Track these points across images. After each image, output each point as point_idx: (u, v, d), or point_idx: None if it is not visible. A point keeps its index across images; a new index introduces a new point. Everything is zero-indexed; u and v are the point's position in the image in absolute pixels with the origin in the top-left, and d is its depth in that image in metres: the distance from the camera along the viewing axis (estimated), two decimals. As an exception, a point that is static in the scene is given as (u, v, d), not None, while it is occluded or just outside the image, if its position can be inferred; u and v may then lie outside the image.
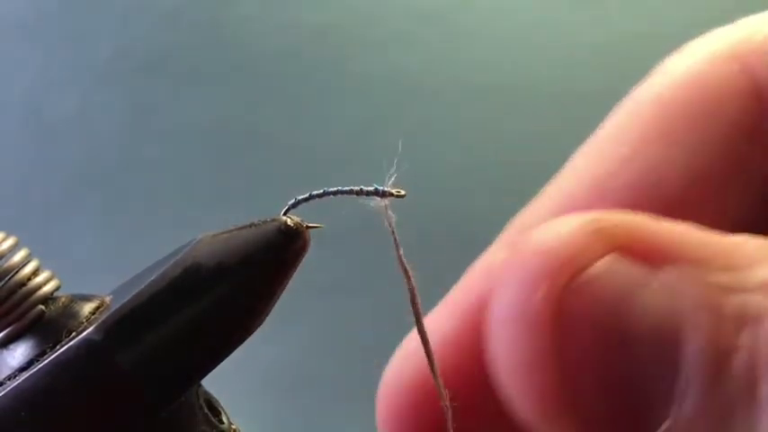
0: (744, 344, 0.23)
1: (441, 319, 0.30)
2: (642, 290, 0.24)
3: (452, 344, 0.30)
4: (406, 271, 0.29)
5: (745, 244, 0.24)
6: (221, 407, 0.30)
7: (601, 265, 0.24)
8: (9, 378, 0.27)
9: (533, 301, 0.24)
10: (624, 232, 0.24)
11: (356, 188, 0.29)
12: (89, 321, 0.27)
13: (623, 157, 0.30)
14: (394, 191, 0.29)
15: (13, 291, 0.28)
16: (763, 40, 0.30)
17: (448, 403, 0.29)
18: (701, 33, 0.32)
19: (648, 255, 0.24)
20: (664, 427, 0.23)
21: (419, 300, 0.30)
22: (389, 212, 0.29)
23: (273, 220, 0.28)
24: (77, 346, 0.26)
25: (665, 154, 0.30)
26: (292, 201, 0.29)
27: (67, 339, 0.27)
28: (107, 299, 0.29)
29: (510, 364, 0.25)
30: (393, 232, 0.29)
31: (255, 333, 0.28)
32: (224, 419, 0.30)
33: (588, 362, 0.24)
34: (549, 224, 0.25)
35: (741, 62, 0.30)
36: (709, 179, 0.30)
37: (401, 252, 0.30)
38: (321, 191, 0.29)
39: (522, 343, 0.24)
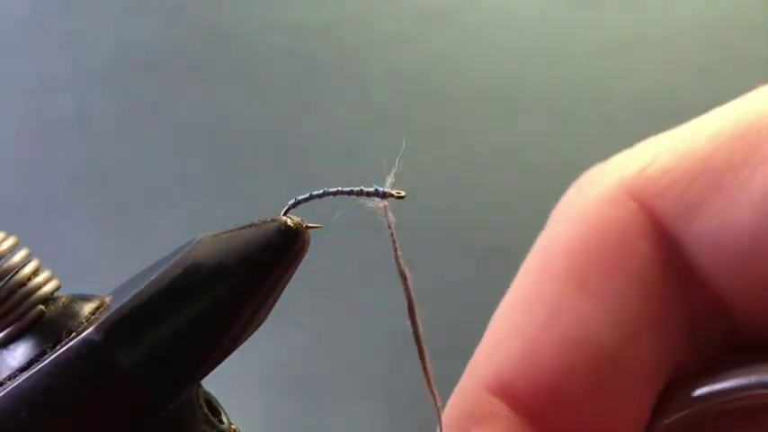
0: None
1: None
2: None
3: None
4: (403, 275, 0.29)
5: None
6: (221, 407, 0.30)
7: None
8: (9, 378, 0.27)
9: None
10: None
11: (356, 188, 0.29)
12: (89, 321, 0.27)
13: (546, 319, 0.30)
14: (394, 192, 0.29)
15: (13, 291, 0.28)
16: (656, 173, 0.30)
17: (439, 404, 0.29)
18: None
19: None
20: None
21: (416, 302, 0.30)
22: (389, 213, 0.29)
23: (273, 220, 0.28)
24: (77, 346, 0.26)
25: (587, 307, 0.30)
26: (292, 201, 0.29)
27: (67, 339, 0.27)
28: (107, 299, 0.29)
29: None
30: (392, 234, 0.29)
31: (255, 333, 0.28)
32: (224, 419, 0.30)
33: None
34: None
35: (638, 199, 0.30)
36: (638, 323, 0.30)
37: (399, 255, 0.30)
38: (321, 191, 0.29)
39: None
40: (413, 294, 0.29)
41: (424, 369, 0.29)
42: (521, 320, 0.30)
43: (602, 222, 0.30)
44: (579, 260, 0.30)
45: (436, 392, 0.29)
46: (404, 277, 0.29)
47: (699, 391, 0.30)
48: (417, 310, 0.29)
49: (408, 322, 0.30)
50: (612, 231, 0.30)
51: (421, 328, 0.29)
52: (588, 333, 0.29)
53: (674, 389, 0.31)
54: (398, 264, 0.29)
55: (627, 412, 0.30)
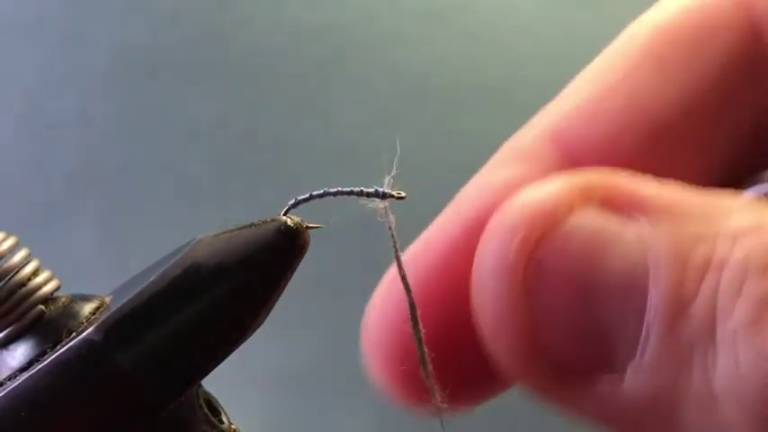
0: (705, 288, 0.24)
1: (437, 233, 0.31)
2: (615, 240, 0.25)
3: (447, 257, 0.31)
4: (403, 275, 0.29)
5: (723, 197, 0.25)
6: (221, 407, 0.30)
7: (577, 216, 0.25)
8: (9, 378, 0.27)
9: (509, 251, 0.25)
10: (603, 187, 0.26)
11: (356, 189, 0.29)
12: (89, 321, 0.27)
13: (616, 81, 0.31)
14: (394, 192, 0.29)
15: (13, 291, 0.28)
16: None
17: (440, 402, 0.29)
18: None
19: (625, 207, 0.25)
20: (630, 367, 0.24)
21: (416, 303, 0.30)
22: (389, 214, 0.29)
23: (273, 220, 0.28)
24: (77, 347, 0.26)
25: (657, 80, 0.31)
26: (292, 201, 0.29)
27: (67, 339, 0.27)
28: (107, 299, 0.29)
29: (487, 310, 0.26)
30: (393, 235, 0.29)
31: (255, 333, 0.28)
32: (224, 419, 0.30)
33: (558, 309, 0.25)
34: (537, 182, 0.26)
35: None
36: (701, 108, 0.31)
37: (400, 255, 0.30)
38: (321, 191, 0.29)
39: (498, 290, 0.26)
40: (413, 295, 0.29)
41: (424, 368, 0.29)
42: (594, 81, 0.32)
43: (696, 7, 0.31)
44: (663, 35, 0.31)
45: (437, 391, 0.29)
46: (404, 278, 0.29)
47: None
48: (418, 311, 0.29)
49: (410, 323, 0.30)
50: (704, 17, 0.31)
51: (422, 329, 0.29)
52: (652, 102, 0.30)
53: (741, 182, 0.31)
54: (399, 264, 0.29)
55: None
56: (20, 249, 0.28)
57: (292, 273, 0.28)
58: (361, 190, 0.29)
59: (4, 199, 0.94)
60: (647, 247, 0.25)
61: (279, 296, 0.28)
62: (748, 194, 0.30)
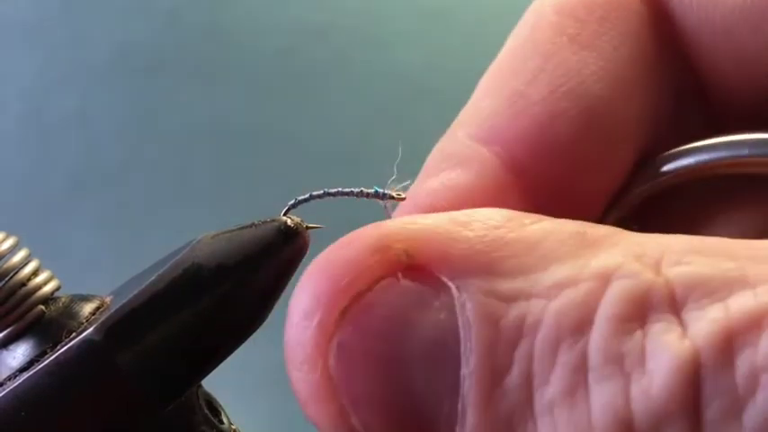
0: (519, 357, 0.22)
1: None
2: (421, 313, 0.23)
3: None
4: None
5: (546, 239, 0.23)
6: (221, 407, 0.30)
7: (376, 292, 0.23)
8: (9, 378, 0.27)
9: (308, 338, 0.23)
10: (412, 248, 0.23)
11: (356, 189, 0.29)
12: (89, 322, 0.27)
13: (537, 66, 0.30)
14: (394, 193, 0.29)
15: (13, 291, 0.28)
16: None
17: None
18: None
19: (430, 272, 0.23)
20: None
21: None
22: (389, 215, 0.29)
23: (273, 220, 0.28)
24: (77, 347, 0.26)
25: (578, 59, 0.29)
26: (292, 201, 0.29)
27: (67, 340, 0.27)
28: (107, 299, 0.29)
29: (300, 395, 0.24)
30: None
31: (255, 333, 0.28)
32: (224, 419, 0.30)
33: (368, 394, 0.23)
34: (343, 239, 0.24)
35: None
36: (625, 79, 0.30)
37: None
38: (321, 191, 0.29)
39: (303, 380, 0.24)
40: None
41: None
42: (512, 71, 0.30)
43: None
44: (573, 14, 0.30)
45: None
46: None
47: (669, 165, 0.30)
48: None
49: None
50: None
51: None
52: (578, 82, 0.29)
53: (648, 162, 0.31)
54: None
55: (605, 170, 0.30)
56: (20, 249, 0.28)
57: (292, 273, 0.28)
58: (361, 190, 0.29)
59: (4, 199, 0.94)
60: (456, 316, 0.23)
61: (279, 296, 0.28)
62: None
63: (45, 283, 0.29)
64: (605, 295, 0.22)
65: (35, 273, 0.28)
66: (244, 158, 0.94)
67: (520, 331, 0.22)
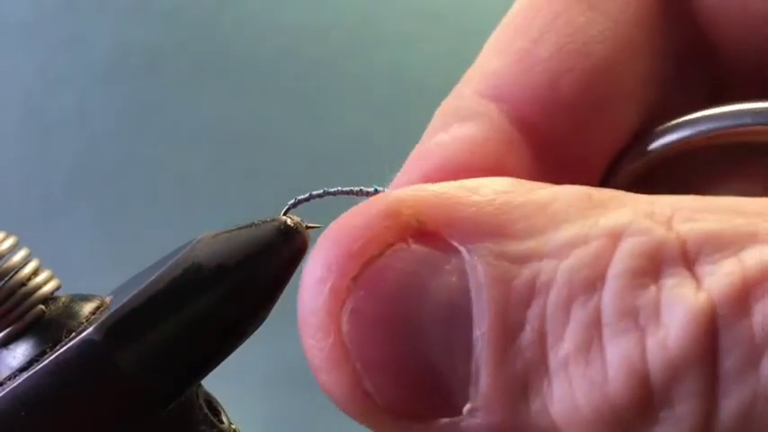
0: (531, 316, 0.22)
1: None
2: (432, 276, 0.23)
3: None
4: None
5: (554, 202, 0.23)
6: (221, 407, 0.30)
7: (387, 256, 0.23)
8: (9, 378, 0.27)
9: (321, 303, 0.24)
10: (421, 214, 0.24)
11: (356, 188, 0.29)
12: (89, 321, 0.27)
13: (545, 25, 0.30)
14: (394, 192, 0.29)
15: (13, 291, 0.28)
16: None
17: None
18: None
19: (440, 236, 0.23)
20: (466, 408, 0.23)
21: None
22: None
23: (273, 220, 0.28)
24: (77, 347, 0.26)
25: (586, 19, 0.30)
26: (292, 201, 0.29)
27: (67, 339, 0.27)
28: (107, 299, 0.29)
29: (313, 362, 0.24)
30: None
31: (255, 333, 0.28)
32: (224, 419, 0.30)
33: (382, 358, 0.24)
34: (354, 209, 0.25)
35: None
36: (630, 41, 0.30)
37: None
38: (321, 191, 0.29)
39: (317, 344, 0.24)
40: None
41: None
42: (519, 30, 0.30)
43: None
44: None
45: None
46: None
47: (659, 140, 0.30)
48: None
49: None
50: None
51: None
52: (584, 42, 0.29)
53: (641, 136, 0.31)
54: None
55: (609, 131, 0.30)
56: (20, 249, 0.28)
57: (292, 273, 0.28)
58: (361, 189, 0.29)
59: (4, 199, 0.94)
60: (468, 278, 0.23)
61: (279, 296, 0.28)
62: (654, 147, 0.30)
63: (45, 282, 0.28)
64: (617, 251, 0.22)
65: (35, 272, 0.28)
66: (244, 158, 0.94)
67: (532, 291, 0.22)
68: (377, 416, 0.24)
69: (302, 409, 0.87)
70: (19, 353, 0.28)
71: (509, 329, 0.22)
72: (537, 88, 0.29)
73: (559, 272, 0.22)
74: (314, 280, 0.24)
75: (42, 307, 0.28)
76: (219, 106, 0.95)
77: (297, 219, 0.28)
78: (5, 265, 0.28)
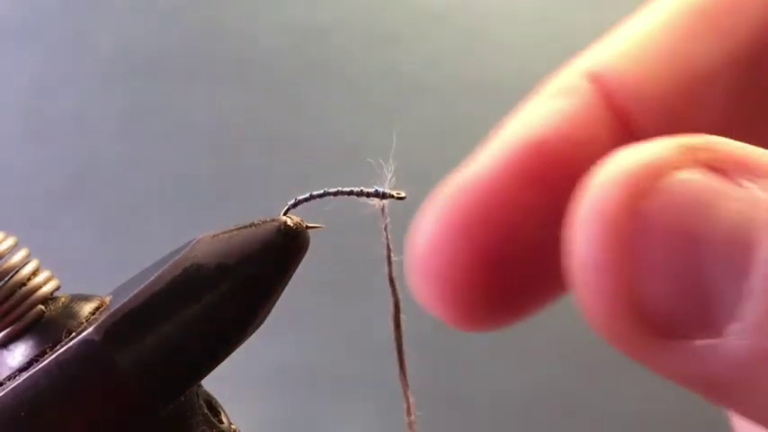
0: None
1: (488, 160, 0.33)
2: (721, 199, 0.25)
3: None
4: (391, 278, 0.30)
5: None
6: (221, 407, 0.30)
7: (684, 173, 0.25)
8: (9, 378, 0.27)
9: (613, 202, 0.25)
10: (710, 149, 0.25)
11: (356, 189, 0.29)
12: (89, 321, 0.27)
13: (664, 31, 0.33)
14: (394, 192, 0.29)
15: (12, 291, 0.28)
16: None
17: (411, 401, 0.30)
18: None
19: (731, 170, 0.25)
20: (731, 328, 0.24)
21: (402, 307, 0.30)
22: (386, 215, 0.29)
23: (273, 220, 0.28)
24: (77, 347, 0.26)
25: (706, 37, 0.32)
26: (292, 201, 0.29)
27: (67, 339, 0.27)
28: (107, 299, 0.29)
29: (585, 262, 0.25)
30: (387, 238, 0.29)
31: (256, 333, 0.28)
32: (224, 419, 0.30)
33: (660, 265, 0.25)
34: (636, 145, 0.26)
35: None
36: (736, 69, 0.32)
37: (393, 257, 0.30)
38: (321, 191, 0.29)
39: (599, 241, 0.25)
40: (400, 298, 0.30)
41: (402, 370, 0.30)
42: (640, 30, 0.33)
43: None
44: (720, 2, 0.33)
45: (411, 398, 0.30)
46: (392, 281, 0.30)
47: None
48: (402, 315, 0.30)
49: (404, 324, 0.30)
50: None
51: (403, 333, 0.30)
52: (697, 53, 0.32)
53: None
54: (389, 267, 0.30)
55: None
56: (19, 249, 0.28)
57: (292, 273, 0.28)
58: (361, 190, 0.29)
59: (4, 199, 0.94)
60: (756, 209, 0.24)
61: (279, 296, 0.28)
62: None
63: (45, 282, 0.28)
64: None
65: (35, 272, 0.28)
66: (244, 158, 0.94)
67: None
68: (633, 325, 0.25)
69: (302, 409, 0.87)
70: (19, 353, 0.28)
71: None
72: (636, 79, 0.32)
73: None
74: (608, 183, 0.25)
75: (42, 307, 0.28)
76: (219, 106, 0.95)
77: (297, 219, 0.28)
78: (5, 266, 0.28)
